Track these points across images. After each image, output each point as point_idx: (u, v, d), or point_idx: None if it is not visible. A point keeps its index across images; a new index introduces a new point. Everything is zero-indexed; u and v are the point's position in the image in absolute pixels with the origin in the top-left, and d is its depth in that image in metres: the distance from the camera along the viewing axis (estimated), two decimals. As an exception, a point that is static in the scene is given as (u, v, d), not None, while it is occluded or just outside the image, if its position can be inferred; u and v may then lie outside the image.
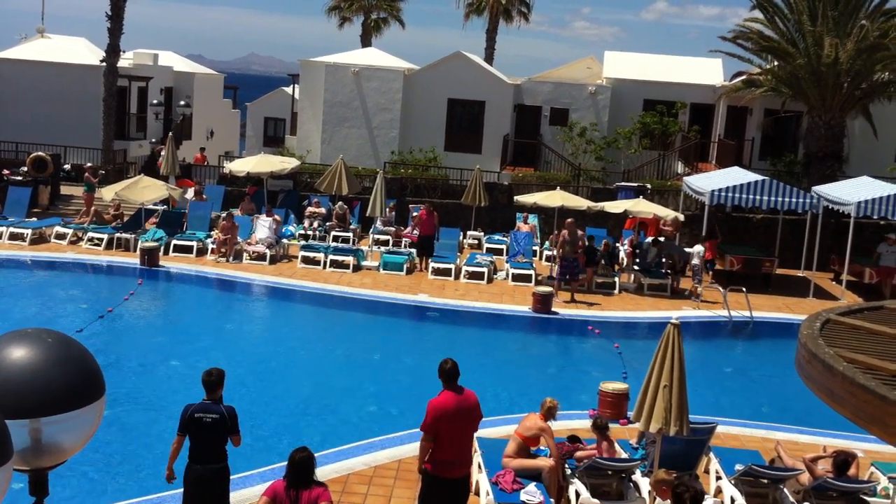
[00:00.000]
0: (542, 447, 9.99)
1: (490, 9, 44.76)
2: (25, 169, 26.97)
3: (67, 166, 30.09)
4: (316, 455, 10.62)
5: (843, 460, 9.69)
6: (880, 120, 28.71)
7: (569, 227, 20.50)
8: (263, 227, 22.87)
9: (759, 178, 22.23)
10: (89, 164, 28.61)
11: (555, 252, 23.16)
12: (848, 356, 5.37)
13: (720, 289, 20.37)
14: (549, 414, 9.67)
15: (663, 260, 22.03)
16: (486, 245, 25.57)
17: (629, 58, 36.93)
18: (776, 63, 28.05)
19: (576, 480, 9.50)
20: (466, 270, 21.98)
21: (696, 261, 21.44)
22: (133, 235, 22.83)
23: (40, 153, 27.42)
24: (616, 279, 21.64)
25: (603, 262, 21.92)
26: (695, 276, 21.37)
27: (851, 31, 25.55)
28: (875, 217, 21.77)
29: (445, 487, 8.15)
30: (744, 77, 29.78)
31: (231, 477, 8.39)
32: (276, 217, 23.82)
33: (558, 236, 24.02)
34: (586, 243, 21.12)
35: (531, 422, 9.63)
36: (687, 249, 22.29)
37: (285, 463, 9.04)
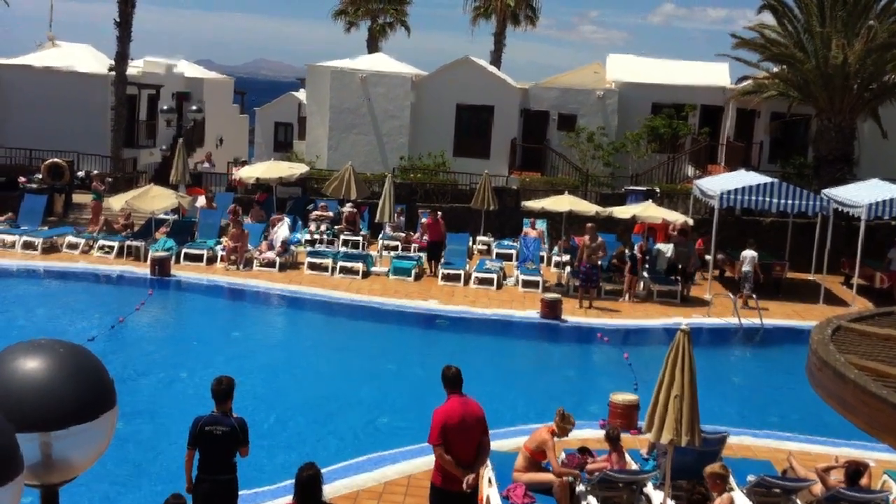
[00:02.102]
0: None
1: (497, 13, 44.75)
2: (40, 176, 26.90)
3: (81, 173, 30.08)
4: (325, 470, 10.65)
5: (854, 470, 9.67)
6: (891, 122, 28.58)
7: (590, 233, 20.39)
8: (283, 229, 23.08)
9: (770, 180, 22.15)
10: (96, 172, 28.66)
11: (564, 258, 23.12)
12: (859, 363, 5.35)
13: (730, 295, 20.30)
14: (564, 422, 9.58)
15: (678, 266, 21.92)
16: (495, 250, 25.55)
17: (633, 61, 36.75)
18: (784, 66, 27.97)
19: (587, 494, 9.48)
20: (476, 277, 21.98)
21: (747, 267, 21.24)
22: (143, 243, 22.86)
23: (56, 160, 27.34)
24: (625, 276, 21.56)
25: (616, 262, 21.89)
26: (746, 282, 21.11)
27: (860, 31, 25.45)
28: (886, 218, 21.66)
29: (454, 501, 8.14)
30: (750, 81, 29.71)
31: (242, 492, 8.42)
32: (286, 225, 23.89)
33: (566, 242, 24.04)
34: (606, 251, 21.05)
35: (537, 434, 9.64)
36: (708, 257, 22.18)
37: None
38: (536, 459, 9.56)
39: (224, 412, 8.13)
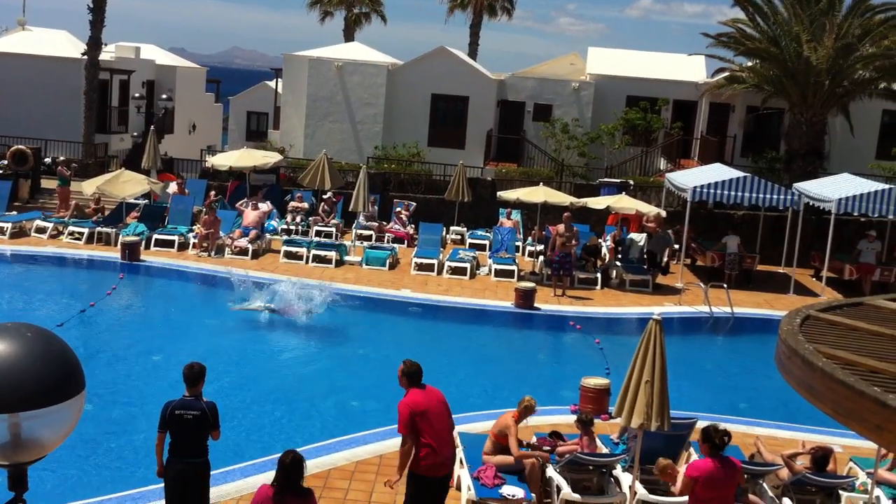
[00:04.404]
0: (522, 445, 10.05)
1: (474, 4, 44.75)
2: (6, 162, 26.76)
3: (48, 160, 29.89)
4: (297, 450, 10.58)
5: (821, 456, 9.77)
6: (861, 117, 28.90)
7: (565, 222, 20.52)
8: (254, 212, 23.08)
9: (741, 174, 22.36)
10: (62, 158, 28.42)
11: (538, 248, 23.21)
12: (827, 352, 5.40)
13: (701, 285, 20.47)
14: (525, 412, 9.68)
15: (645, 255, 22.18)
16: (469, 240, 25.58)
17: (612, 54, 37.03)
18: (758, 61, 28.19)
19: (556, 475, 9.53)
20: (449, 266, 21.99)
21: (732, 248, 22.42)
22: (114, 229, 22.70)
23: (20, 146, 27.21)
24: (598, 275, 21.69)
25: (591, 258, 22.07)
26: (732, 265, 22.24)
27: (830, 29, 25.66)
28: (855, 213, 21.91)
29: (434, 487, 8.18)
30: (726, 74, 29.92)
31: (213, 471, 8.38)
32: (263, 209, 23.80)
33: (540, 231, 24.13)
34: (579, 240, 21.20)
35: (501, 420, 9.71)
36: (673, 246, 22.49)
37: (266, 459, 9.04)
38: (501, 443, 9.61)
39: (195, 396, 8.08)
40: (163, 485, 8.27)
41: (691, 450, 10.56)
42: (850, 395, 4.79)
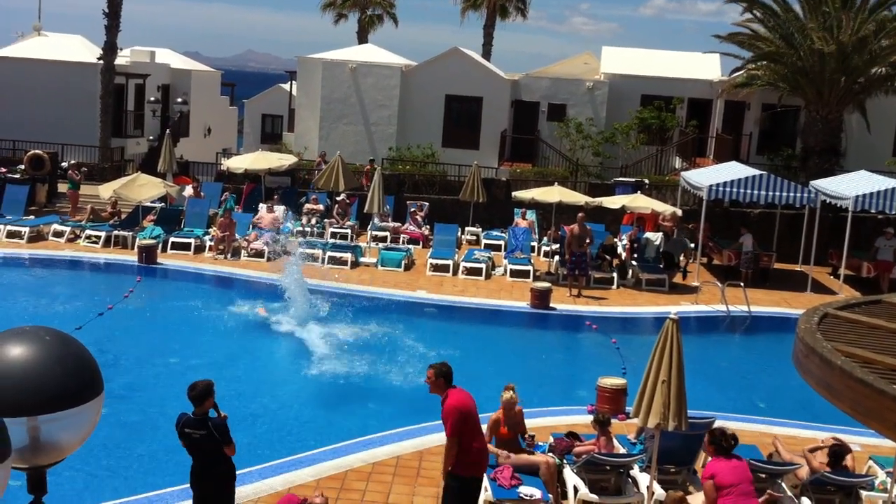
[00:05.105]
0: (539, 443, 10.06)
1: (487, 4, 44.72)
2: (23, 167, 26.97)
3: (65, 164, 30.09)
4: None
5: (838, 449, 9.76)
6: (878, 114, 28.70)
7: (579, 222, 20.52)
8: (269, 215, 23.15)
9: (757, 172, 22.25)
10: (73, 162, 28.61)
11: (554, 247, 23.19)
12: (846, 350, 5.37)
13: (718, 284, 20.39)
14: (506, 398, 9.73)
15: (661, 256, 22.11)
16: (484, 241, 25.57)
17: (627, 53, 36.94)
18: (772, 62, 28.05)
19: (573, 475, 9.51)
20: (464, 266, 21.98)
21: (748, 248, 22.33)
22: (131, 233, 22.83)
23: (38, 151, 27.45)
24: (614, 275, 21.64)
25: (607, 257, 22.06)
26: (748, 263, 22.12)
27: (847, 24, 25.49)
28: (873, 211, 21.78)
29: (476, 485, 8.26)
30: (741, 72, 29.80)
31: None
32: (276, 214, 23.84)
33: (556, 232, 24.08)
34: (594, 239, 21.19)
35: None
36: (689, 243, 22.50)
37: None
38: (504, 438, 9.65)
39: (202, 414, 7.97)
40: (186, 485, 8.30)
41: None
42: (869, 393, 4.76)
